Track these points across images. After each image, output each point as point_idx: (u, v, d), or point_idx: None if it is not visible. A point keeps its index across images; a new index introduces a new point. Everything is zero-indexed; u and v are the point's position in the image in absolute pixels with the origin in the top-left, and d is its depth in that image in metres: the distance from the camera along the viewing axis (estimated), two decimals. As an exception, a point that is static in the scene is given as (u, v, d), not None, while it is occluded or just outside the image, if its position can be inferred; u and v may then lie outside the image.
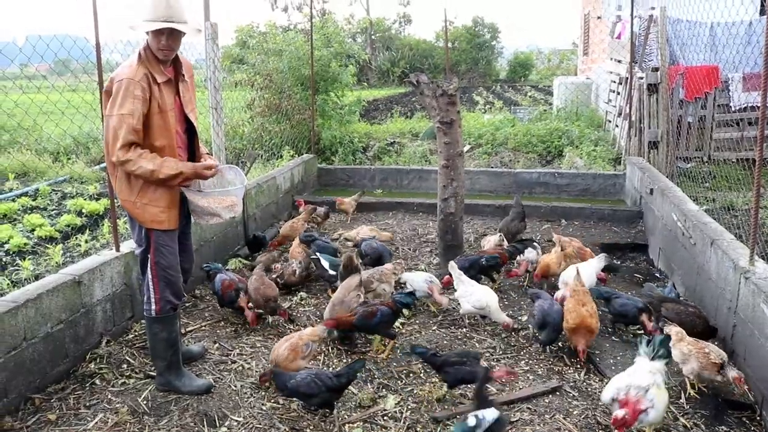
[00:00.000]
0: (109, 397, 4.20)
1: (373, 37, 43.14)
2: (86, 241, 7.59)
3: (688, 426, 3.85)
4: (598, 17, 17.42)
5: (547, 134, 13.05)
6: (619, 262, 6.86)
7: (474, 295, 5.19)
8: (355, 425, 3.92)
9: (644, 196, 7.92)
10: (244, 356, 4.81)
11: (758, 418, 3.95)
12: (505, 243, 6.57)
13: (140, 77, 3.79)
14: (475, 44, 41.63)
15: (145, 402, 4.13)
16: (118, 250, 5.16)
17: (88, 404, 4.12)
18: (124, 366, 4.60)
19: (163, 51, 3.89)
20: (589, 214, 8.37)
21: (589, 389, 4.30)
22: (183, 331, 5.11)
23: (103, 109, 3.99)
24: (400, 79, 38.58)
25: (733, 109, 11.22)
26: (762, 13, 12.84)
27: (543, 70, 43.76)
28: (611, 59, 14.30)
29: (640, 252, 7.20)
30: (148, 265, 4.09)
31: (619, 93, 12.58)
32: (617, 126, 12.49)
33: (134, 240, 4.21)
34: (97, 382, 4.39)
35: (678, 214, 6.15)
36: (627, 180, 9.04)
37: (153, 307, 4.13)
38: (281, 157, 11.76)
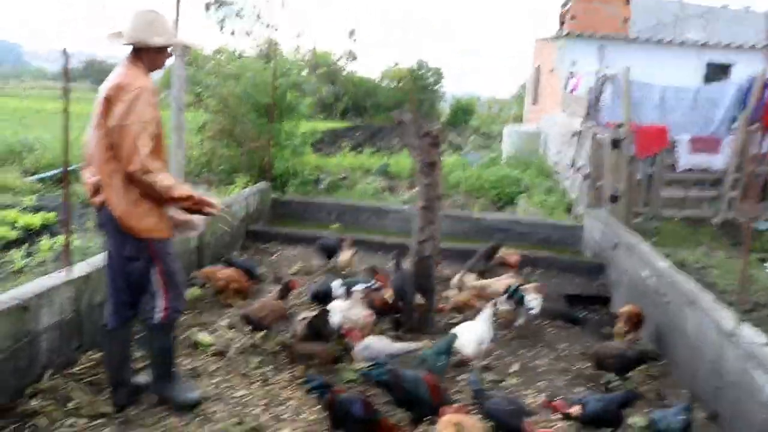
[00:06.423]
0: (57, 440, 3.73)
1: (317, 71, 43.08)
2: (21, 257, 6.99)
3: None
4: (551, 70, 17.93)
5: (498, 181, 13.16)
6: (583, 314, 6.83)
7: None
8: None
9: (606, 249, 7.97)
10: (208, 401, 4.36)
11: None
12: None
13: (152, 88, 3.67)
14: (419, 86, 42.32)
15: (98, 448, 3.69)
16: (68, 273, 4.69)
17: (31, 449, 3.65)
18: (71, 403, 4.12)
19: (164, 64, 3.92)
20: (551, 263, 8.34)
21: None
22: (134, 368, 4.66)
23: (105, 117, 3.62)
24: (343, 114, 38.71)
25: (678, 169, 11.68)
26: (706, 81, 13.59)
27: (484, 117, 44.80)
28: (563, 111, 14.66)
29: (602, 305, 7.20)
30: (156, 274, 3.92)
31: (571, 145, 12.86)
32: (567, 178, 12.74)
33: (125, 254, 3.87)
34: (41, 421, 3.90)
35: (648, 271, 6.18)
36: (586, 232, 9.10)
37: (160, 315, 3.98)
38: (231, 183, 11.34)
